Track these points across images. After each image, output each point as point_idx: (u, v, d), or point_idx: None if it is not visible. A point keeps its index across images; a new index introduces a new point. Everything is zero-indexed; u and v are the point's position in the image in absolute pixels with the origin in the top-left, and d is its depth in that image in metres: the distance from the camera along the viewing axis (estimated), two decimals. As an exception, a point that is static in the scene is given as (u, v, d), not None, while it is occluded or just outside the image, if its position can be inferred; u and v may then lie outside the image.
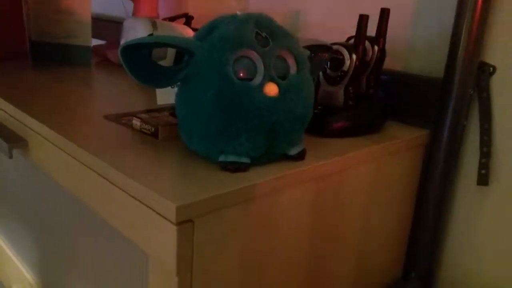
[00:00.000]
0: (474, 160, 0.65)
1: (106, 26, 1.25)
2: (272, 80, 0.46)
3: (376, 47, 0.62)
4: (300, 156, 0.50)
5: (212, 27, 0.47)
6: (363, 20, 0.58)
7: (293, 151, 0.49)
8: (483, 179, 0.63)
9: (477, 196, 0.65)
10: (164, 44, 0.45)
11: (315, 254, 0.54)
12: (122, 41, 0.85)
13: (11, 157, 0.61)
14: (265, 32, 0.47)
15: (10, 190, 0.81)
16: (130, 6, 1.02)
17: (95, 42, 1.06)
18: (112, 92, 0.75)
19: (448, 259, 0.69)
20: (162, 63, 0.72)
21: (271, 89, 0.45)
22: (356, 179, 0.56)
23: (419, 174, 0.67)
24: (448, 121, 0.62)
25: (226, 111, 0.44)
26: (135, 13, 0.99)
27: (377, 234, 0.63)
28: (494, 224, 0.64)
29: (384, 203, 0.62)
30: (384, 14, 0.62)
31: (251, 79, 0.45)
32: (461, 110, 0.62)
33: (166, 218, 0.39)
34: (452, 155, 0.63)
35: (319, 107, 0.60)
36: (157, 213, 0.40)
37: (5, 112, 0.66)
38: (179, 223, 0.38)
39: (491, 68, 0.62)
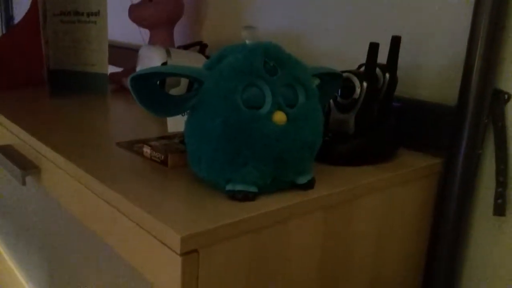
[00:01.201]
0: (490, 190, 0.63)
1: (123, 53, 1.28)
2: (280, 108, 0.46)
3: (387, 75, 0.62)
4: (309, 185, 0.49)
5: (221, 56, 0.48)
6: (373, 48, 0.58)
7: (302, 180, 0.49)
8: (500, 209, 0.62)
9: (494, 227, 0.63)
10: (172, 74, 0.45)
11: (324, 285, 0.53)
12: (138, 69, 0.86)
13: (24, 183, 0.61)
14: (274, 61, 0.47)
15: (22, 215, 0.82)
16: (147, 33, 1.04)
17: (112, 69, 1.08)
18: (126, 119, 0.76)
19: (465, 292, 0.67)
20: (175, 90, 0.73)
21: (279, 118, 0.45)
22: (367, 209, 0.55)
23: (433, 203, 0.65)
24: (462, 150, 0.60)
25: (234, 139, 0.44)
26: (151, 41, 1.01)
27: (390, 266, 0.62)
28: (511, 253, 0.62)
29: (397, 233, 0.61)
30: (395, 41, 0.62)
31: (259, 108, 0.45)
32: (476, 138, 0.60)
33: (170, 248, 0.39)
34: (467, 184, 0.62)
35: (330, 135, 0.60)
36: (162, 242, 0.40)
37: (20, 139, 0.68)
38: (183, 254, 0.38)
39: (506, 96, 0.61)
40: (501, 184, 0.61)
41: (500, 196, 0.61)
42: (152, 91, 0.46)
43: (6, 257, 0.95)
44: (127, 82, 0.45)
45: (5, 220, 0.93)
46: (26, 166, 0.63)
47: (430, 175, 0.63)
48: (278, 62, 0.47)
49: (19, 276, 0.89)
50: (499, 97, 0.61)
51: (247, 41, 0.49)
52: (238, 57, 0.46)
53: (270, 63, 0.47)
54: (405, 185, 0.59)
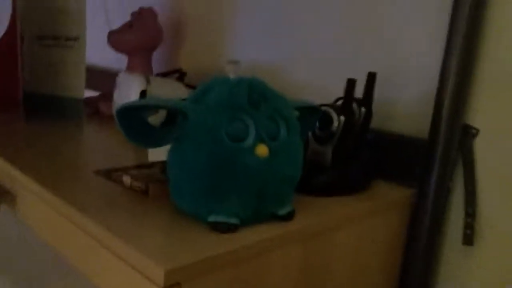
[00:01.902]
0: (459, 220, 0.65)
1: (100, 77, 1.27)
2: (263, 141, 0.47)
3: (363, 109, 0.64)
4: (289, 217, 0.50)
5: (206, 89, 0.49)
6: (350, 84, 0.61)
7: (282, 211, 0.50)
8: (468, 239, 0.64)
9: (463, 256, 0.66)
10: (160, 106, 0.46)
11: (303, 316, 0.53)
12: (115, 95, 0.86)
13: (-3, 211, 0.60)
14: (257, 94, 0.49)
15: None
16: (124, 59, 1.05)
17: (88, 93, 1.08)
18: (103, 146, 0.76)
19: (437, 320, 0.69)
20: (153, 118, 0.74)
21: (262, 151, 0.46)
22: (343, 239, 0.56)
23: (405, 232, 0.67)
24: (433, 182, 0.63)
25: (217, 172, 0.45)
26: (129, 67, 1.02)
27: (365, 294, 0.63)
28: (481, 282, 0.64)
29: (371, 263, 0.62)
30: (371, 77, 0.64)
31: (242, 140, 0.46)
32: (446, 171, 0.63)
33: (153, 282, 0.39)
34: (437, 215, 0.64)
35: (307, 166, 0.61)
36: (144, 275, 0.40)
37: (-5, 164, 0.66)
38: (166, 287, 0.38)
39: (474, 131, 0.64)
40: (469, 215, 0.64)
41: (468, 226, 0.64)
42: (138, 123, 0.46)
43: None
44: (114, 109, 0.45)
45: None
46: (0, 193, 0.62)
47: (403, 206, 0.65)
48: (262, 96, 0.49)
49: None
50: (468, 132, 0.64)
51: (231, 75, 0.50)
52: (223, 91, 0.47)
53: (254, 96, 0.48)
54: (379, 215, 0.61)
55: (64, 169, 0.61)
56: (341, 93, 0.63)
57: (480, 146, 0.63)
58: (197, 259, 0.40)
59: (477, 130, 0.64)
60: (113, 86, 0.88)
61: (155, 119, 0.73)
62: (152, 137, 0.47)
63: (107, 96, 1.05)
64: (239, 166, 0.45)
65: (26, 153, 0.67)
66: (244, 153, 0.45)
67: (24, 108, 0.91)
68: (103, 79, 1.26)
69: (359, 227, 0.58)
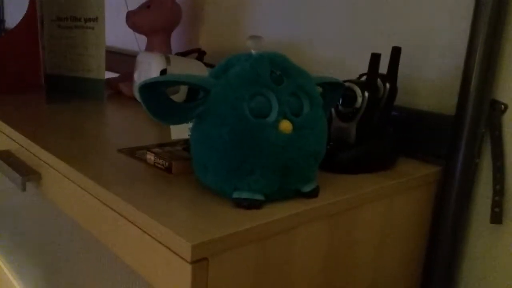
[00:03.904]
0: (487, 198, 0.64)
1: (118, 59, 1.27)
2: (286, 117, 0.46)
3: (387, 85, 0.62)
4: (314, 194, 0.50)
5: (228, 65, 0.48)
6: (375, 58, 0.59)
7: (307, 188, 0.49)
8: (497, 217, 0.63)
9: (491, 235, 0.64)
10: (182, 82, 0.45)
11: (328, 292, 0.53)
12: (136, 75, 0.86)
13: (24, 189, 0.61)
14: (280, 70, 0.48)
15: (21, 222, 0.81)
16: (143, 39, 1.05)
17: (107, 74, 1.08)
18: (125, 126, 0.76)
19: (462, 299, 0.68)
20: (175, 97, 0.74)
21: (286, 126, 0.46)
22: (369, 216, 0.55)
23: (431, 211, 0.66)
24: (460, 159, 0.62)
25: (241, 148, 0.45)
26: (148, 48, 1.01)
27: (390, 272, 0.62)
28: (509, 261, 0.63)
29: (397, 240, 0.61)
30: (396, 52, 0.63)
31: (265, 116, 0.46)
32: (473, 147, 0.62)
33: (180, 256, 0.39)
34: (465, 193, 0.63)
35: (331, 143, 0.60)
36: (172, 250, 0.40)
37: (19, 144, 0.67)
38: (193, 262, 0.38)
39: (503, 106, 0.62)
40: (498, 192, 0.62)
41: (497, 204, 0.62)
42: (160, 99, 0.46)
43: (4, 266, 0.94)
44: (135, 89, 0.45)
45: (3, 227, 0.92)
46: (26, 172, 0.63)
47: (429, 183, 0.64)
48: (284, 71, 0.48)
49: (16, 285, 0.87)
50: (496, 107, 0.62)
51: (252, 51, 0.49)
52: (245, 66, 0.46)
53: (276, 72, 0.47)
54: (405, 193, 0.60)
55: (88, 148, 0.61)
56: (365, 70, 0.62)
57: (509, 122, 0.62)
58: (223, 234, 0.40)
59: (506, 105, 0.62)
60: (132, 67, 0.88)
61: (177, 97, 0.73)
62: (174, 113, 0.47)
63: (127, 77, 1.05)
64: (263, 142, 0.45)
65: (50, 133, 0.67)
66: (267, 128, 0.45)
67: (46, 89, 0.92)
68: (122, 61, 1.26)
69: (384, 204, 0.57)
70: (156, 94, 0.45)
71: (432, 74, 0.69)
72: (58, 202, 0.60)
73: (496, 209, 0.63)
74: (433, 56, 0.68)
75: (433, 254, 0.65)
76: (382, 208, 0.57)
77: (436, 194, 0.66)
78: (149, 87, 0.44)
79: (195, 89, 0.51)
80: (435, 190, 0.65)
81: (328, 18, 0.81)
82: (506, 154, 0.62)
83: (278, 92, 0.46)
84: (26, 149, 0.65)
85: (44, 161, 0.61)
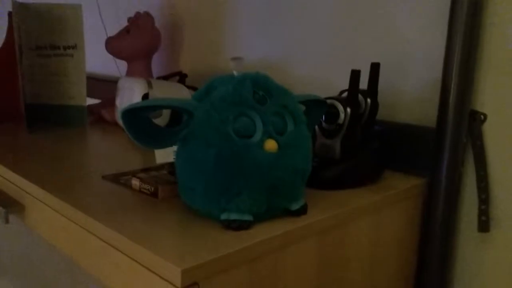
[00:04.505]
0: (474, 207, 0.65)
1: (99, 85, 1.27)
2: (271, 136, 0.46)
3: (369, 100, 0.63)
4: (302, 211, 0.50)
5: (210, 87, 0.48)
6: (355, 75, 0.60)
7: (295, 206, 0.49)
8: (484, 226, 0.63)
9: (480, 243, 0.65)
10: (165, 106, 0.45)
11: (321, 311, 0.53)
12: (118, 101, 0.86)
13: (7, 222, 0.60)
14: (262, 90, 0.48)
15: (5, 255, 0.79)
16: (124, 65, 1.04)
17: (89, 101, 1.07)
18: (108, 152, 0.75)
19: (454, 309, 0.68)
20: (158, 121, 0.73)
21: (271, 145, 0.46)
22: (358, 231, 0.55)
23: (419, 222, 0.67)
24: (444, 169, 0.62)
25: (228, 169, 0.44)
26: (129, 73, 1.01)
27: (381, 286, 0.62)
28: (498, 269, 0.63)
29: (387, 254, 0.61)
30: (375, 68, 0.64)
31: (250, 137, 0.46)
32: (456, 158, 0.62)
33: (170, 282, 0.38)
34: (451, 203, 0.63)
35: (316, 160, 0.61)
36: (161, 277, 0.39)
37: (1, 176, 0.66)
38: (184, 287, 0.38)
39: (482, 116, 0.63)
40: (483, 201, 0.63)
41: (483, 213, 0.63)
42: (143, 124, 0.46)
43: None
44: (118, 115, 0.45)
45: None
46: (9, 204, 0.61)
47: (416, 195, 0.64)
48: (267, 91, 0.48)
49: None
50: (476, 117, 0.63)
51: (234, 72, 0.49)
52: (228, 88, 0.46)
53: (259, 93, 0.48)
54: (392, 206, 0.60)
55: (72, 176, 0.61)
56: (345, 86, 0.63)
57: (489, 131, 0.63)
58: (212, 257, 0.39)
59: (485, 115, 0.63)
60: (114, 92, 0.87)
61: (160, 121, 0.73)
62: (158, 138, 0.47)
63: (109, 102, 1.05)
64: (249, 162, 0.45)
65: (31, 162, 0.66)
66: (253, 148, 0.45)
67: (27, 118, 0.90)
68: (101, 86, 1.25)
69: (372, 218, 0.57)
70: (139, 119, 0.45)
71: (412, 87, 0.70)
72: (43, 233, 0.59)
73: (483, 218, 0.63)
74: (413, 69, 0.69)
75: (424, 264, 0.65)
76: (370, 222, 0.57)
77: (423, 205, 0.66)
78: (131, 113, 0.44)
79: (179, 113, 0.51)
80: (422, 201, 0.66)
81: (307, 37, 0.82)
82: (488, 163, 0.63)
83: (262, 112, 0.47)
84: (8, 180, 0.64)
85: (27, 192, 0.60)
